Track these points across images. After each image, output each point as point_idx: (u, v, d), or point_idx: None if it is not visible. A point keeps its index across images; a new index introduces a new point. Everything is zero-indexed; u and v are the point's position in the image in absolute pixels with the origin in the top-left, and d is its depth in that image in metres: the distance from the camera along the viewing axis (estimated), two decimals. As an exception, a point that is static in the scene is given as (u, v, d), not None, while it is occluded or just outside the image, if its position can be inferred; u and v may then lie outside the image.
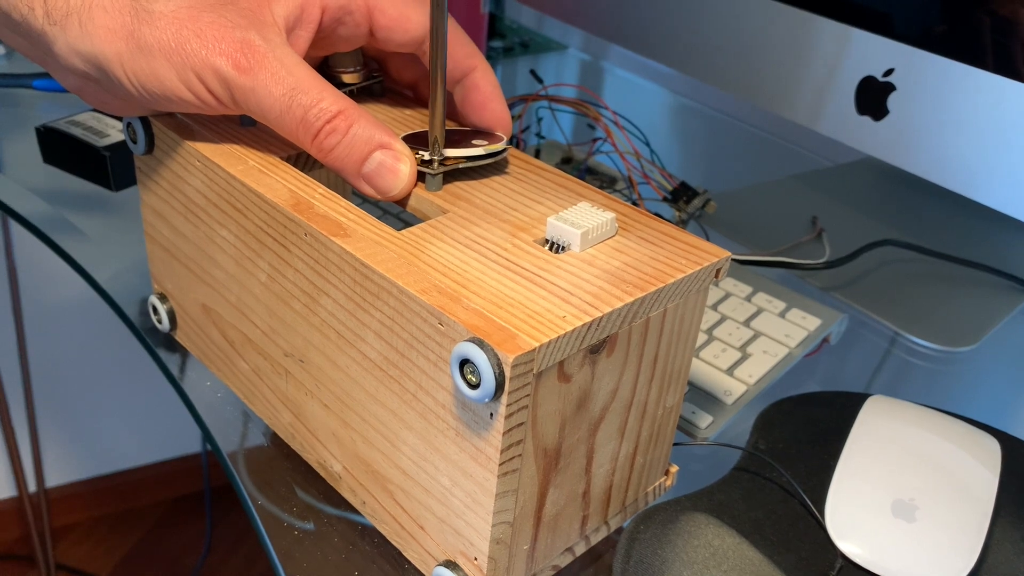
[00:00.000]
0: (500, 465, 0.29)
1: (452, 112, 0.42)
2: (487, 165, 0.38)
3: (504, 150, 0.38)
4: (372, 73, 0.44)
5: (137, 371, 1.38)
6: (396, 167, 0.36)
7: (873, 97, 0.54)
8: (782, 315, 0.52)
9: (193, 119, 0.40)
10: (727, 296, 0.53)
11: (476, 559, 0.32)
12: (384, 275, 0.31)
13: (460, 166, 0.37)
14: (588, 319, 0.29)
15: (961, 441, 0.41)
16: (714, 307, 0.52)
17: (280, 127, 0.35)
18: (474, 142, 0.38)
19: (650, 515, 0.37)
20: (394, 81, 0.45)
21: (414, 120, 0.42)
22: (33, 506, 1.39)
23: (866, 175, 0.73)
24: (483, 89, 0.40)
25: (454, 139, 0.38)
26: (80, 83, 0.37)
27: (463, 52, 0.40)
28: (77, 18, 0.34)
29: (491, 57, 0.90)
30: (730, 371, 0.47)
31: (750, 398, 0.46)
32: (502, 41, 0.94)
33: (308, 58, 0.39)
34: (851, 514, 0.38)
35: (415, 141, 0.38)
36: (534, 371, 0.28)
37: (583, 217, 0.34)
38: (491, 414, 0.29)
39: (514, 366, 0.27)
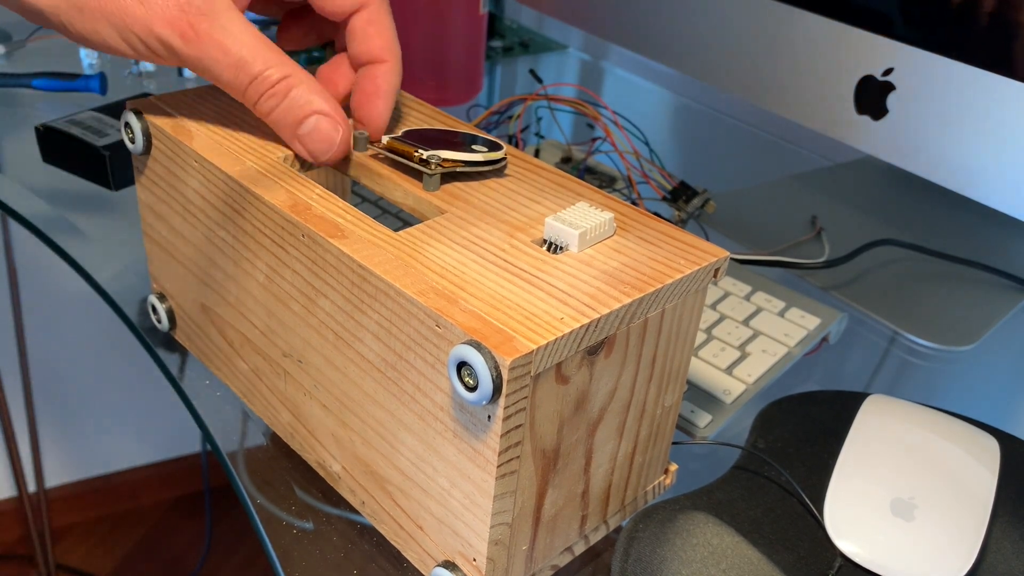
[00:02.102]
0: (498, 467, 0.29)
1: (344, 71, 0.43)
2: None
3: (503, 159, 0.38)
4: None
5: (137, 371, 1.38)
6: (329, 133, 0.37)
7: (872, 96, 0.53)
8: (781, 314, 0.52)
9: (191, 118, 0.40)
10: (726, 295, 0.53)
11: (475, 560, 0.32)
12: (381, 277, 0.31)
13: (458, 170, 0.37)
14: (586, 321, 0.29)
15: (960, 440, 0.41)
16: (713, 306, 0.52)
17: (228, 91, 0.37)
18: (474, 147, 0.38)
19: (649, 514, 0.37)
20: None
21: (414, 119, 0.42)
22: (33, 506, 1.39)
23: (865, 175, 0.73)
24: (379, 84, 0.40)
25: (454, 142, 0.38)
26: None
27: (378, 43, 0.40)
28: None
29: (491, 57, 0.90)
30: (729, 370, 0.47)
31: (749, 397, 0.46)
32: (502, 41, 0.94)
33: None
34: (850, 513, 0.38)
35: (414, 139, 0.38)
36: (531, 373, 0.28)
37: (581, 217, 0.34)
38: (489, 416, 0.29)
39: (511, 369, 0.27)
